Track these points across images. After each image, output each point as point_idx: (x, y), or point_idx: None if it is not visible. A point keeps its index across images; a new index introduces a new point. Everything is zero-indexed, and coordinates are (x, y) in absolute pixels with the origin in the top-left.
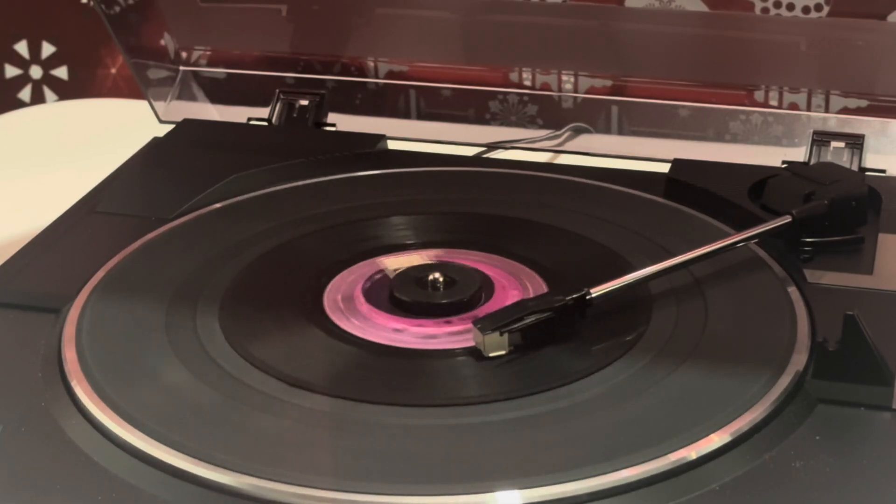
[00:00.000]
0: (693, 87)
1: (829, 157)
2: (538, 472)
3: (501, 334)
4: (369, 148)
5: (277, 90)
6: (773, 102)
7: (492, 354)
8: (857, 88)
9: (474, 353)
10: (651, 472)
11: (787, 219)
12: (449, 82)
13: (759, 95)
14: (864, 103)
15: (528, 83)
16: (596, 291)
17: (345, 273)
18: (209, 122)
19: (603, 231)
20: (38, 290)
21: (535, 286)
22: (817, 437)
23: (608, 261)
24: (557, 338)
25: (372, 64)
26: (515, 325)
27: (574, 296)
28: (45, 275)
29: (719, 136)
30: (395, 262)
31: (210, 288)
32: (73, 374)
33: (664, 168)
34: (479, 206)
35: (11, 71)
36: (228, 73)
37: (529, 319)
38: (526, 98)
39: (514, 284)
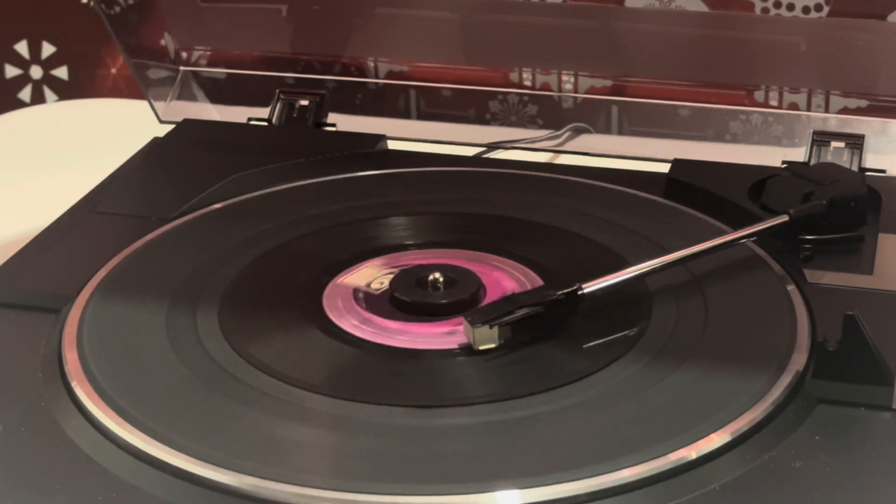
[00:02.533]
0: (693, 87)
1: (829, 157)
2: (538, 472)
3: (491, 327)
4: (369, 148)
5: (277, 90)
6: (773, 102)
7: (482, 348)
8: (857, 88)
9: (474, 353)
10: (651, 472)
11: (784, 218)
12: (449, 82)
13: (759, 95)
14: (864, 103)
15: (528, 83)
16: (588, 287)
17: (345, 273)
18: (209, 122)
19: (603, 231)
20: (38, 290)
21: (535, 286)
22: (817, 437)
23: (608, 261)
24: (557, 337)
25: (372, 64)
26: (505, 319)
27: (565, 291)
28: (45, 275)
29: (719, 136)
30: (356, 278)
31: (210, 288)
32: (73, 374)
33: (664, 168)
34: (479, 206)
35: (11, 71)
36: (228, 73)
37: (520, 313)
38: (526, 98)
39: (513, 285)
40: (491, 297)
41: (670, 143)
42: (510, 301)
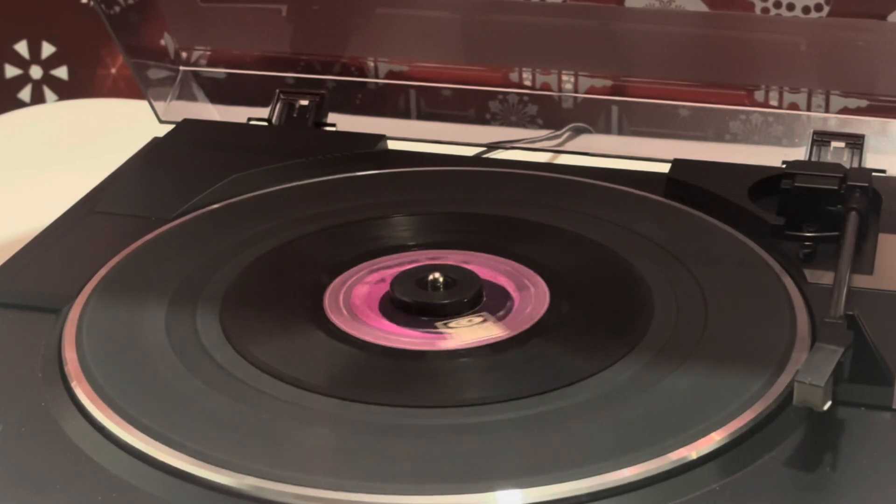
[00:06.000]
0: (693, 87)
1: (829, 157)
2: (538, 472)
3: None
4: (369, 148)
5: (277, 90)
6: (773, 102)
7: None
8: (857, 88)
9: (474, 353)
10: (651, 472)
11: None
12: (449, 82)
13: (759, 95)
14: (864, 103)
15: (528, 83)
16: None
17: (345, 273)
18: (209, 122)
19: (603, 231)
20: (38, 290)
21: (536, 286)
22: (817, 437)
23: (608, 261)
24: (558, 338)
25: (372, 64)
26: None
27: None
28: (45, 275)
29: (719, 136)
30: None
31: (210, 288)
32: (73, 374)
33: (664, 168)
34: (479, 206)
35: (11, 71)
36: (228, 73)
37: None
38: (526, 98)
39: (513, 285)
40: (491, 297)
41: (670, 143)
42: (825, 352)
